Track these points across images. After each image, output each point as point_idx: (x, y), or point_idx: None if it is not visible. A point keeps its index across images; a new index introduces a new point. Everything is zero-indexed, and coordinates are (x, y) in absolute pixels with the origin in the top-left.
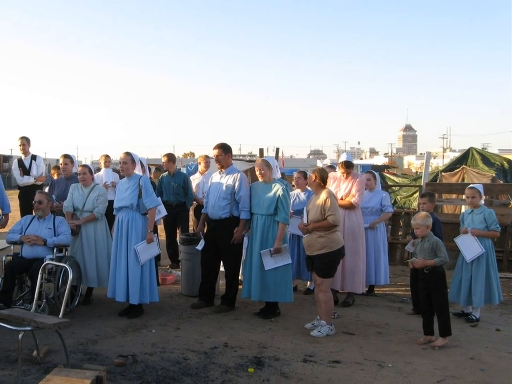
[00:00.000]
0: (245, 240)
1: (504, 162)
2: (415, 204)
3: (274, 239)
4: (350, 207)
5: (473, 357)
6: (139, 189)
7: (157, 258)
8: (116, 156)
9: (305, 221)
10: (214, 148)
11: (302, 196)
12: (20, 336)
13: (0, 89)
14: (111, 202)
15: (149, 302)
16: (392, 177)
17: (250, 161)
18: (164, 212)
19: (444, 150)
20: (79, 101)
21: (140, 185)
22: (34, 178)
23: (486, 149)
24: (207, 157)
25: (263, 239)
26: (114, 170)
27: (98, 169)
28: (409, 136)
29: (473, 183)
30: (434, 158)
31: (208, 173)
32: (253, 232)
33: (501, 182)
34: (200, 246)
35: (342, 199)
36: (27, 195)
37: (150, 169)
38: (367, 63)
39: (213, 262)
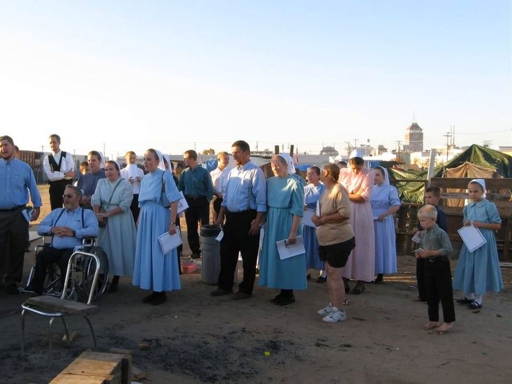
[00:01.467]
0: (262, 231)
1: (505, 159)
2: (421, 198)
3: (289, 231)
4: (360, 200)
5: (476, 341)
6: (162, 184)
7: (179, 248)
8: (141, 153)
9: (318, 214)
10: (233, 145)
11: (315, 190)
12: (51, 321)
13: (33, 90)
14: (136, 196)
15: (172, 290)
16: (399, 172)
17: (266, 157)
18: (185, 205)
19: (448, 147)
20: (106, 101)
21: (163, 180)
22: (64, 174)
23: (487, 146)
24: (226, 153)
25: (279, 231)
26: (139, 166)
27: (124, 165)
28: (416, 134)
29: (475, 178)
30: (439, 155)
31: (227, 169)
32: (269, 224)
33: (502, 177)
34: (220, 237)
35: (352, 193)
36: (57, 189)
37: (172, 165)
38: (376, 65)
39: (231, 252)
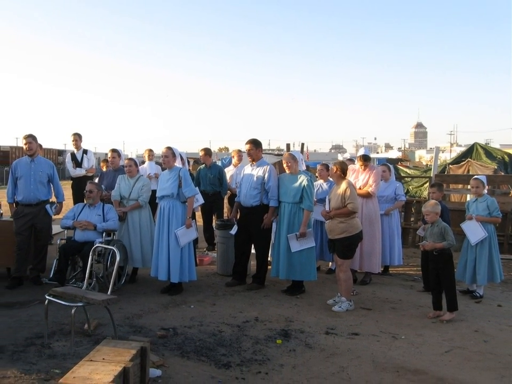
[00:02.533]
0: (274, 225)
1: (505, 156)
2: (425, 193)
3: (300, 224)
4: (367, 195)
5: (477, 329)
6: (179, 180)
7: (195, 241)
8: (159, 150)
9: (327, 208)
10: (246, 143)
11: (325, 186)
12: (73, 311)
13: (57, 91)
14: (154, 192)
15: (188, 281)
16: (405, 169)
17: (278, 155)
18: (201, 200)
19: (451, 145)
20: (126, 101)
21: (179, 176)
22: (86, 170)
23: (488, 144)
24: (239, 151)
25: (290, 225)
26: (157, 163)
27: (143, 162)
28: (420, 133)
29: (477, 175)
30: (443, 152)
31: (241, 166)
32: (280, 218)
33: (502, 173)
34: (234, 230)
35: (360, 188)
36: (79, 185)
37: (188, 162)
38: (383, 67)
39: (245, 245)
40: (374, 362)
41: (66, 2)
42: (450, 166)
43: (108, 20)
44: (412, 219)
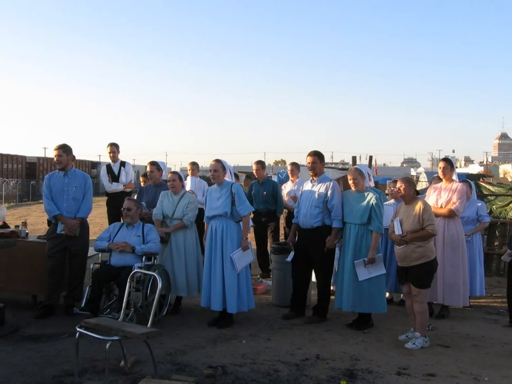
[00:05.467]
0: (337, 250)
1: None
2: (511, 214)
3: (367, 249)
4: (450, 215)
5: None
6: (232, 197)
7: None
8: (206, 163)
9: (398, 232)
10: (309, 155)
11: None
12: (107, 345)
13: (92, 98)
14: (199, 210)
15: (247, 310)
16: (487, 186)
17: (342, 169)
18: (250, 222)
19: None
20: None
21: (232, 192)
22: (123, 185)
23: None
24: (294, 164)
25: (356, 249)
26: (203, 177)
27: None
28: (505, 144)
29: None
30: None
31: (299, 181)
32: (345, 242)
33: None
34: (290, 257)
35: (441, 207)
36: (115, 202)
37: (237, 176)
38: (465, 69)
39: (304, 272)
40: None
41: (111, 25)
42: None
43: (153, 41)
44: (496, 243)
